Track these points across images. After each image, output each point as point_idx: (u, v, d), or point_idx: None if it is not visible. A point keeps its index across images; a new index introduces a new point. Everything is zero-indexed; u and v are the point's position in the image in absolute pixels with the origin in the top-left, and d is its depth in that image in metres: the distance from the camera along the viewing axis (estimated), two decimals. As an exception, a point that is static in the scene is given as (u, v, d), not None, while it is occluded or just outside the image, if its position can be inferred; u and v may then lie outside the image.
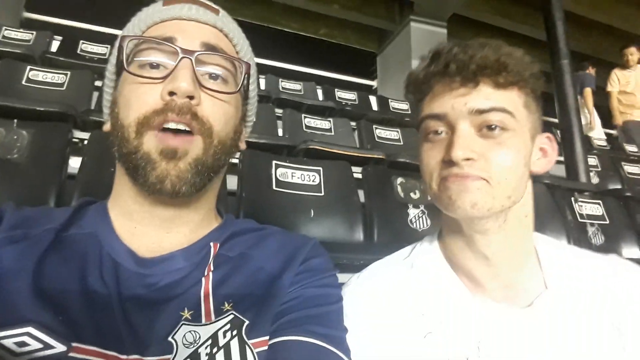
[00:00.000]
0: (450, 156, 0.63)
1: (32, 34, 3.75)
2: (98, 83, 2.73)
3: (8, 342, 0.50)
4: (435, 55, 0.68)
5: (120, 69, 0.66)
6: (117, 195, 0.68)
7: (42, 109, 1.73)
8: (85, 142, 1.76)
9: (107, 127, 0.69)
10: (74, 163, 1.59)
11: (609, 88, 5.76)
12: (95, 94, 2.66)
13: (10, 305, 0.53)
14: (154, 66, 0.62)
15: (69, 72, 2.65)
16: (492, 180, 0.63)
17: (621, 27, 7.04)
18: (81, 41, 3.95)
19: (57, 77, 2.60)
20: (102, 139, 1.55)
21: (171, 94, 0.59)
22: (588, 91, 5.65)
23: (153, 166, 0.59)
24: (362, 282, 0.76)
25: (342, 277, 0.76)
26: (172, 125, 0.59)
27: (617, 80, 5.76)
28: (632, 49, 5.64)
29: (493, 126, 0.64)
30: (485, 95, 0.64)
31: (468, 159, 0.62)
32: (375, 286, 0.75)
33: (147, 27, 0.66)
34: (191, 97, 0.60)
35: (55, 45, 3.90)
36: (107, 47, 3.94)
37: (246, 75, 0.68)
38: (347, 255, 1.21)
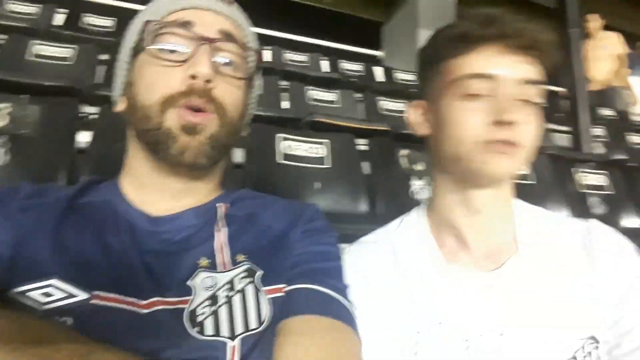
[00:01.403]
0: (502, 117, 0.66)
1: (38, 7, 3.70)
2: (102, 57, 2.73)
3: (35, 294, 0.55)
4: (490, 18, 0.70)
5: (138, 51, 0.70)
6: (129, 169, 0.73)
7: (49, 83, 1.75)
8: (91, 116, 1.78)
9: (120, 107, 0.73)
10: (81, 137, 1.62)
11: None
12: (99, 68, 2.65)
13: (34, 261, 0.58)
14: (173, 50, 0.67)
15: (75, 46, 2.64)
16: (522, 147, 0.67)
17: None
18: (86, 14, 3.91)
19: (62, 52, 2.59)
20: (113, 114, 1.54)
21: (192, 77, 0.64)
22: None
23: (174, 140, 0.65)
24: (351, 256, 0.80)
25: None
26: (193, 102, 0.65)
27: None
28: (594, 16, 5.31)
29: (530, 98, 0.68)
30: (535, 68, 0.69)
31: (513, 123, 0.66)
32: (363, 260, 0.79)
33: (168, 13, 0.70)
34: (209, 81, 0.65)
35: (59, 19, 3.86)
36: (112, 20, 3.90)
37: (255, 63, 0.74)
38: (351, 226, 1.24)
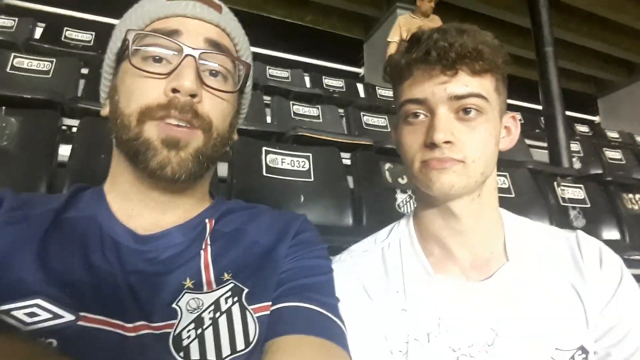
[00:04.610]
0: (432, 139, 0.67)
1: (14, 20, 3.68)
2: (84, 70, 2.71)
3: (19, 313, 0.52)
4: (415, 42, 0.72)
5: (120, 58, 0.68)
6: (114, 179, 0.70)
7: (29, 96, 1.72)
8: (74, 129, 1.75)
9: (105, 111, 0.71)
10: (62, 151, 1.59)
11: (389, 38, 4.90)
12: (82, 82, 2.63)
13: (17, 279, 0.55)
14: (157, 60, 0.64)
15: (54, 60, 2.61)
16: (467, 160, 0.68)
17: (604, 15, 7.13)
18: (65, 28, 3.88)
19: (42, 65, 2.57)
20: (92, 126, 1.55)
21: (174, 90, 0.61)
22: None
23: (154, 153, 0.61)
24: (342, 265, 0.80)
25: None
26: (173, 122, 0.62)
27: (400, 29, 4.85)
28: None
29: (469, 109, 0.69)
30: (463, 82, 0.68)
31: (447, 142, 0.67)
32: (356, 266, 0.79)
33: (151, 21, 0.67)
34: (193, 95, 0.62)
35: (38, 32, 3.83)
36: (91, 34, 3.89)
37: (246, 76, 0.72)
38: (336, 238, 1.24)
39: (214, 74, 0.67)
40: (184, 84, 0.61)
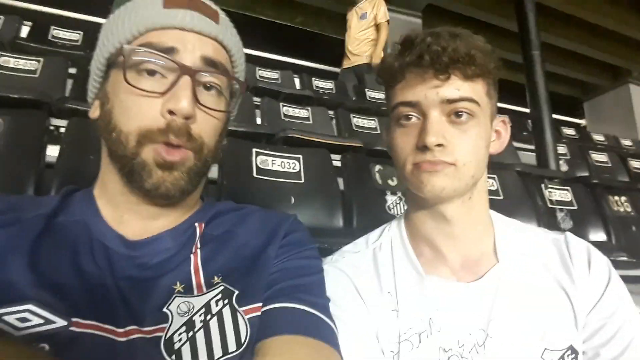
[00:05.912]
0: (424, 142, 0.68)
1: (0, 18, 3.62)
2: (72, 70, 2.68)
3: (10, 318, 0.52)
4: (409, 45, 0.72)
5: (112, 64, 0.67)
6: (103, 185, 0.70)
7: (16, 96, 1.70)
8: (61, 129, 1.73)
9: (94, 114, 0.70)
10: (50, 151, 1.57)
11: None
12: (70, 82, 2.60)
13: (9, 283, 0.55)
14: (151, 73, 0.63)
15: (41, 59, 2.58)
16: (458, 163, 0.69)
17: (590, 19, 7.22)
18: (52, 27, 3.83)
19: (29, 64, 2.53)
20: (80, 127, 1.53)
21: (171, 112, 0.61)
22: None
23: (149, 174, 0.62)
24: (334, 265, 0.80)
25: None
26: (171, 142, 0.62)
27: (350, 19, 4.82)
28: None
29: (461, 113, 0.70)
30: (455, 86, 0.69)
31: (439, 145, 0.68)
32: (348, 267, 0.80)
33: (147, 31, 0.65)
34: (188, 117, 0.62)
35: (25, 31, 3.78)
36: (79, 34, 3.84)
37: (240, 93, 0.73)
38: (327, 239, 1.24)
39: (208, 87, 0.66)
40: (181, 106, 0.61)
